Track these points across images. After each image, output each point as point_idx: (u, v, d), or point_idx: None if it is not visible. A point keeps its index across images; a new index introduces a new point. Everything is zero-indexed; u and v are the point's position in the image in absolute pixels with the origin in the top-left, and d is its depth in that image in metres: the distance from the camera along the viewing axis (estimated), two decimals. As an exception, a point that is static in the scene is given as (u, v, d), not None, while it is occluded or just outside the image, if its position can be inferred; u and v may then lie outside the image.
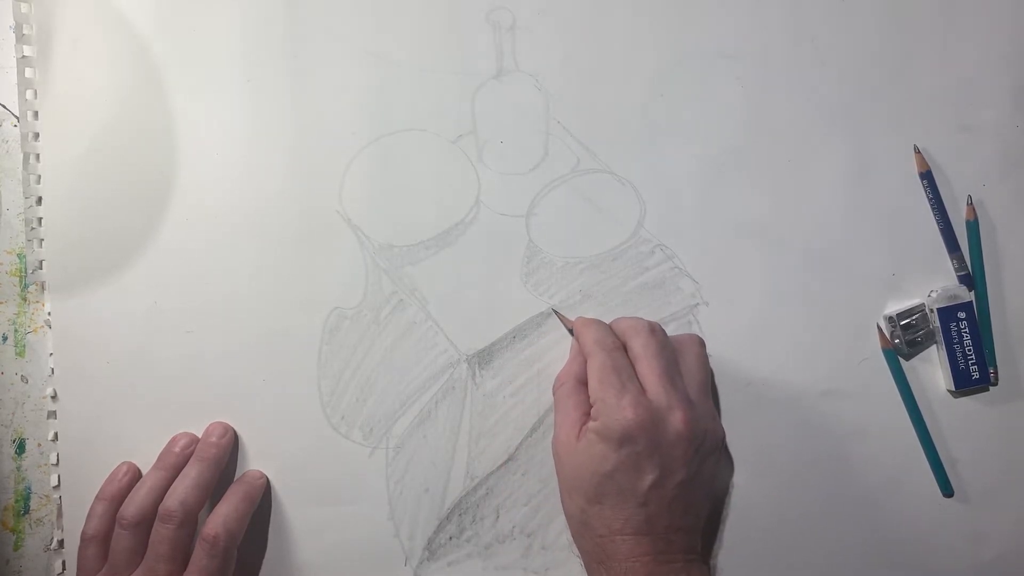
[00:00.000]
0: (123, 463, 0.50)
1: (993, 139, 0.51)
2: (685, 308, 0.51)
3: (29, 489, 0.52)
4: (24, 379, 0.52)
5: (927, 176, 0.51)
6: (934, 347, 0.51)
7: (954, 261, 0.51)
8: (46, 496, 0.51)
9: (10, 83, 0.51)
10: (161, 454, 0.50)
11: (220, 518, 0.47)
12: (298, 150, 0.51)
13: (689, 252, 0.51)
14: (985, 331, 0.51)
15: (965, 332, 0.50)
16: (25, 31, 0.50)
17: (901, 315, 0.50)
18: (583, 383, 0.47)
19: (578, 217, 0.51)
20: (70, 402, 0.51)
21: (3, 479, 0.51)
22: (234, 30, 0.51)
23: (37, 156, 0.51)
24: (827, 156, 0.51)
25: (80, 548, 0.48)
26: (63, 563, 0.51)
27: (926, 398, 0.51)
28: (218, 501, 0.48)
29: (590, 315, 0.50)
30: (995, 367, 0.51)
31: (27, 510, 0.51)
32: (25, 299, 0.52)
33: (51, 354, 0.51)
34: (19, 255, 0.52)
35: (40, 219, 0.51)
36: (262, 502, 0.50)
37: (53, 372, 0.51)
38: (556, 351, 0.51)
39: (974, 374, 0.50)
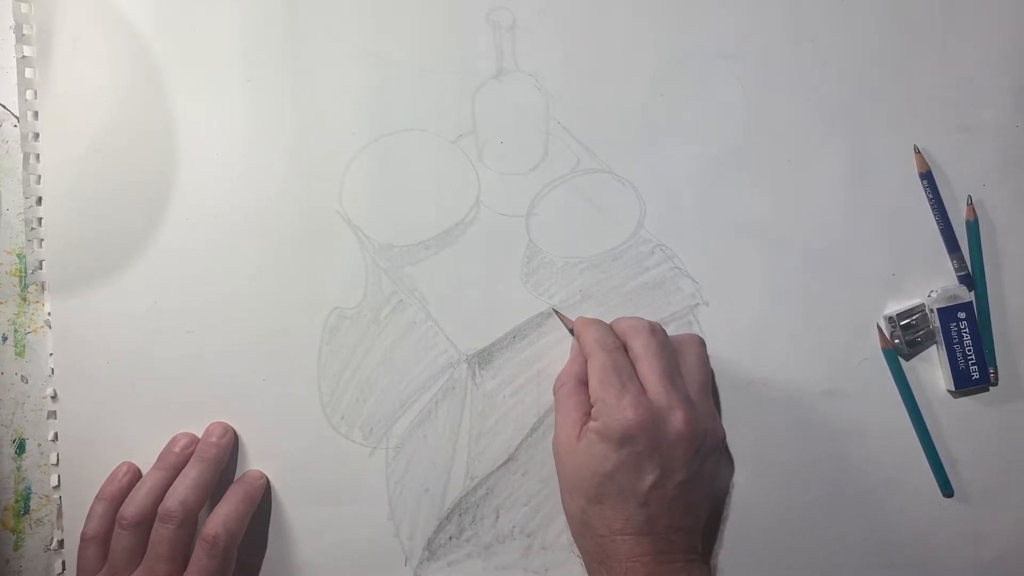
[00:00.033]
0: (123, 463, 0.50)
1: (993, 139, 0.51)
2: (685, 308, 0.51)
3: (29, 489, 0.52)
4: (24, 379, 0.52)
5: (927, 176, 0.51)
6: (934, 347, 0.51)
7: (954, 261, 0.51)
8: (46, 496, 0.51)
9: (10, 83, 0.51)
10: (161, 454, 0.50)
11: (220, 518, 0.47)
12: (298, 150, 0.51)
13: (689, 252, 0.51)
14: (985, 331, 0.51)
15: (965, 332, 0.50)
16: (25, 31, 0.50)
17: (901, 315, 0.50)
18: (584, 383, 0.47)
19: (578, 217, 0.51)
20: (70, 402, 0.51)
21: (3, 479, 0.51)
22: (234, 30, 0.51)
23: (37, 156, 0.51)
24: (827, 156, 0.51)
25: (80, 548, 0.48)
26: (63, 563, 0.51)
27: (926, 398, 0.51)
28: (218, 501, 0.48)
29: (590, 315, 0.50)
30: (995, 367, 0.51)
31: (27, 510, 0.51)
32: (25, 299, 0.52)
33: (51, 354, 0.51)
34: (19, 255, 0.52)
35: (40, 219, 0.51)
36: (262, 502, 0.50)
37: (53, 372, 0.51)
38: (556, 351, 0.51)
39: (974, 374, 0.50)
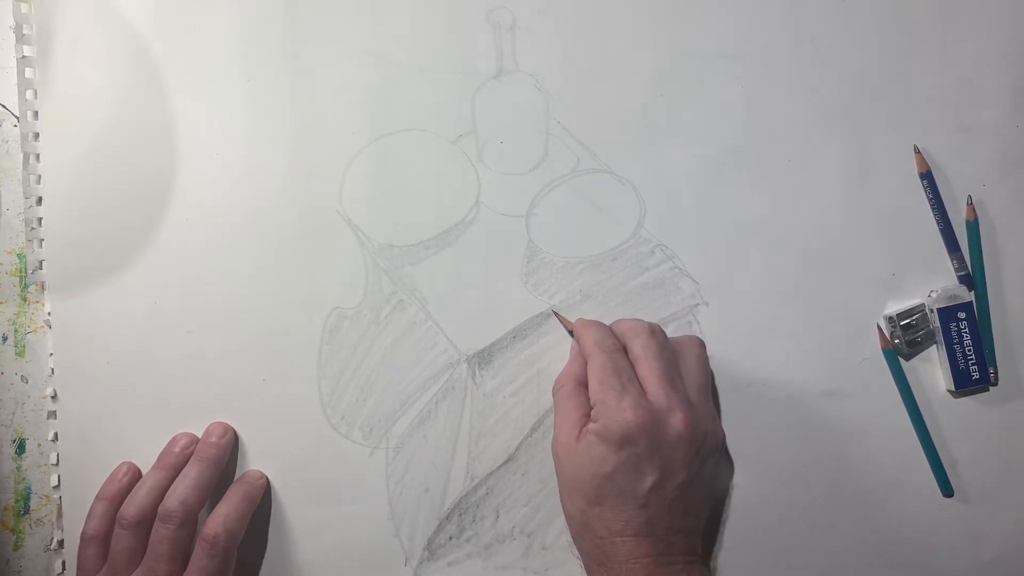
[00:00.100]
0: (123, 463, 0.50)
1: (993, 139, 0.51)
2: (685, 308, 0.51)
3: (29, 489, 0.52)
4: (24, 379, 0.52)
5: (927, 176, 0.51)
6: (934, 347, 0.51)
7: (954, 261, 0.51)
8: (46, 496, 0.51)
9: (10, 83, 0.51)
10: (161, 454, 0.50)
11: (220, 518, 0.47)
12: (298, 150, 0.51)
13: (689, 252, 0.51)
14: (985, 331, 0.51)
15: (965, 332, 0.50)
16: (25, 31, 0.50)
17: (901, 315, 0.50)
18: (583, 385, 0.47)
19: (578, 217, 0.51)
20: (70, 402, 0.51)
21: (3, 479, 0.51)
22: (234, 30, 0.51)
23: (37, 156, 0.51)
24: (827, 156, 0.51)
25: (80, 548, 0.48)
26: (63, 563, 0.51)
27: (926, 398, 0.51)
28: (218, 501, 0.48)
29: (590, 315, 0.50)
30: (995, 367, 0.51)
31: (27, 510, 0.51)
32: (25, 299, 0.52)
33: (51, 354, 0.51)
34: (19, 255, 0.52)
35: (40, 219, 0.51)
36: (262, 502, 0.50)
37: (53, 372, 0.51)
38: (556, 351, 0.51)
39: (974, 374, 0.50)
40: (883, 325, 0.51)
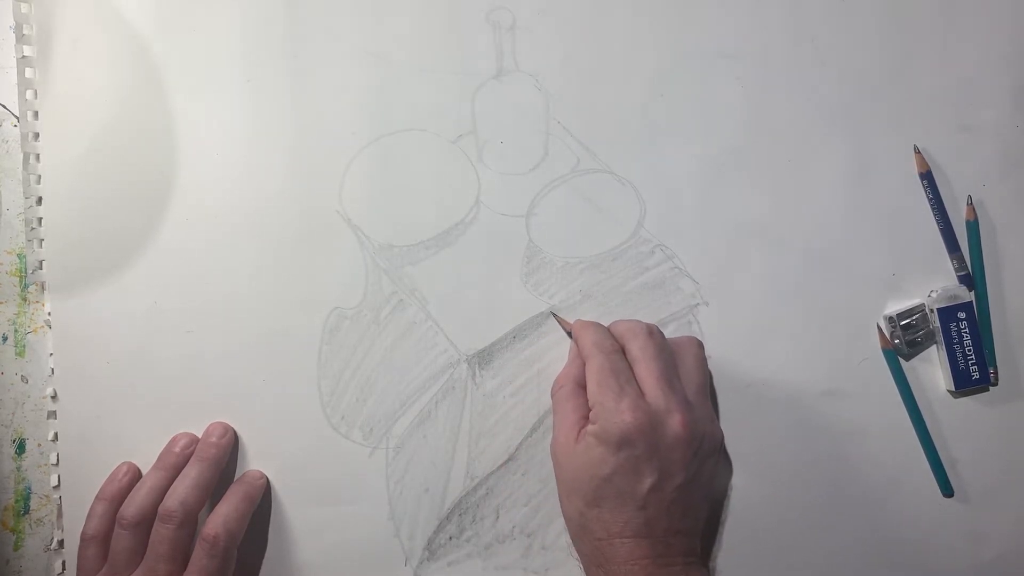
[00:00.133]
0: (123, 463, 0.50)
1: (993, 139, 0.51)
2: (685, 308, 0.51)
3: (29, 489, 0.52)
4: (24, 379, 0.52)
5: (927, 176, 0.51)
6: (934, 347, 0.51)
7: (954, 261, 0.51)
8: (46, 496, 0.51)
9: (10, 83, 0.51)
10: (161, 454, 0.50)
11: (220, 518, 0.47)
12: (298, 150, 0.51)
13: (689, 252, 0.51)
14: (985, 331, 0.51)
15: (965, 332, 0.50)
16: (25, 31, 0.50)
17: (901, 315, 0.50)
18: (581, 386, 0.47)
19: (578, 217, 0.51)
20: (70, 402, 0.51)
21: (3, 479, 0.51)
22: (234, 30, 0.51)
23: (37, 156, 0.51)
24: (827, 156, 0.51)
25: (80, 548, 0.48)
26: (63, 563, 0.51)
27: (926, 398, 0.51)
28: (218, 501, 0.48)
29: (590, 315, 0.50)
30: (995, 367, 0.51)
31: (27, 510, 0.51)
32: (25, 299, 0.52)
33: (51, 354, 0.51)
34: (19, 255, 0.52)
35: (40, 219, 0.51)
36: (262, 502, 0.50)
37: (53, 372, 0.51)
38: (556, 351, 0.51)
39: (974, 374, 0.50)
40: (883, 325, 0.51)
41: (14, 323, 0.52)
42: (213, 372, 0.51)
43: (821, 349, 0.51)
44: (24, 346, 0.52)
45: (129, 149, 0.51)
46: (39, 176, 0.51)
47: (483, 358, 0.51)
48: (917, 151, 0.51)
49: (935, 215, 0.51)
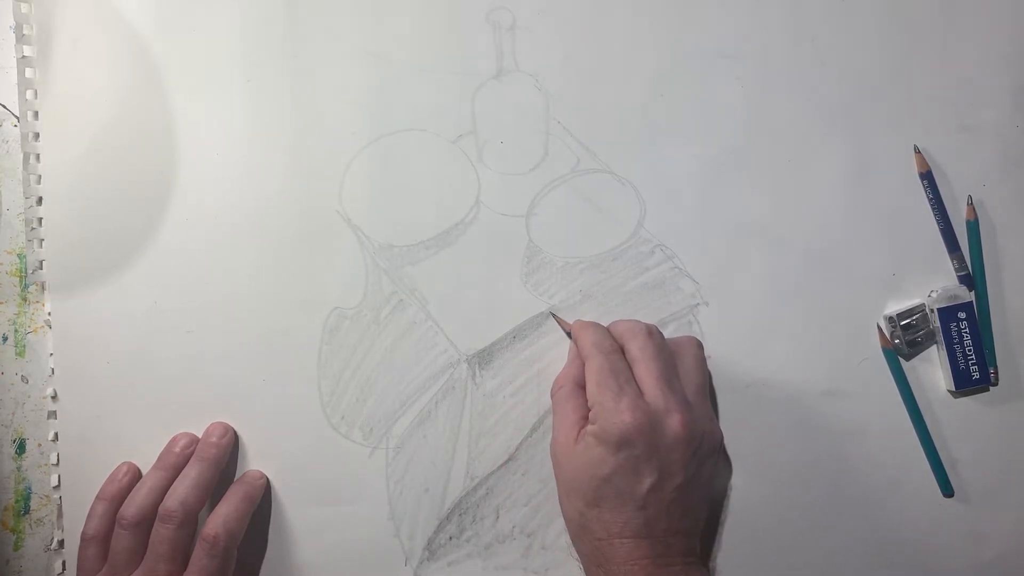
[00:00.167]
0: (123, 463, 0.50)
1: (993, 139, 0.51)
2: (685, 308, 0.51)
3: (29, 489, 0.52)
4: (24, 379, 0.52)
5: (927, 176, 0.51)
6: (934, 347, 0.51)
7: (954, 261, 0.51)
8: (46, 496, 0.51)
9: (10, 83, 0.51)
10: (161, 454, 0.50)
11: (220, 518, 0.47)
12: (298, 150, 0.51)
13: (689, 252, 0.51)
14: (985, 331, 0.51)
15: (965, 332, 0.50)
16: (25, 31, 0.50)
17: (901, 315, 0.50)
18: (581, 386, 0.47)
19: (578, 217, 0.51)
20: (70, 402, 0.51)
21: (3, 479, 0.51)
22: (234, 30, 0.51)
23: (37, 156, 0.51)
24: (827, 156, 0.51)
25: (80, 548, 0.48)
26: (63, 563, 0.51)
27: (926, 398, 0.51)
28: (218, 501, 0.48)
29: (590, 315, 0.50)
30: (995, 367, 0.51)
31: (27, 510, 0.51)
32: (25, 299, 0.52)
33: (51, 354, 0.51)
34: (19, 255, 0.52)
35: (40, 219, 0.51)
36: (262, 502, 0.50)
37: (53, 372, 0.51)
38: (556, 351, 0.51)
39: (974, 374, 0.50)
40: (883, 325, 0.51)
41: (14, 323, 0.52)
42: (213, 372, 0.51)
43: (821, 349, 0.51)
44: (24, 346, 0.52)
45: (129, 149, 0.51)
46: (39, 176, 0.51)
47: (483, 358, 0.51)
48: (917, 151, 0.51)
49: (935, 215, 0.51)
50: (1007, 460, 0.51)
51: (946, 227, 0.51)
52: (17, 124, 0.51)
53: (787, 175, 0.51)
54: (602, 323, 0.49)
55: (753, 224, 0.51)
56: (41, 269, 0.51)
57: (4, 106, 0.52)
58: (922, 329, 0.50)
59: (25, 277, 0.52)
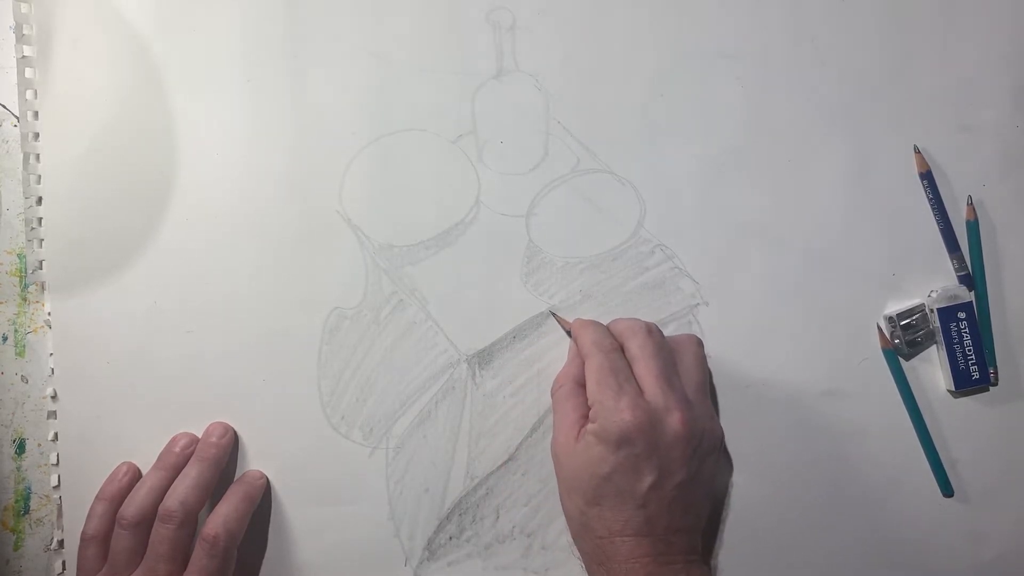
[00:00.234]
0: (123, 463, 0.50)
1: (993, 139, 0.51)
2: (685, 308, 0.51)
3: (29, 489, 0.52)
4: (24, 379, 0.52)
5: (927, 176, 0.51)
6: (934, 347, 0.51)
7: (954, 261, 0.51)
8: (46, 496, 0.51)
9: (10, 83, 0.51)
10: (161, 454, 0.50)
11: (220, 518, 0.47)
12: (298, 150, 0.51)
13: (689, 252, 0.51)
14: (985, 331, 0.51)
15: (965, 332, 0.50)
16: (25, 31, 0.50)
17: (901, 315, 0.50)
18: (581, 385, 0.47)
19: (578, 217, 0.51)
20: (70, 402, 0.51)
21: (3, 479, 0.51)
22: (234, 30, 0.51)
23: (37, 156, 0.51)
24: (827, 156, 0.51)
25: (80, 548, 0.48)
26: (63, 563, 0.51)
27: (926, 398, 0.51)
28: (218, 501, 0.48)
29: (590, 315, 0.50)
30: (995, 367, 0.51)
31: (27, 510, 0.51)
32: (25, 299, 0.52)
33: (51, 354, 0.51)
34: (19, 255, 0.52)
35: (40, 219, 0.51)
36: (262, 502, 0.50)
37: (53, 372, 0.51)
38: (556, 351, 0.51)
39: (974, 374, 0.50)
40: (883, 325, 0.51)
41: (14, 323, 0.52)
42: (213, 372, 0.51)
43: (821, 349, 0.51)
44: (24, 346, 0.52)
45: (129, 149, 0.51)
46: (39, 176, 0.51)
47: (483, 358, 0.51)
48: (917, 151, 0.51)
49: (935, 215, 0.51)
50: (1007, 460, 0.51)
51: (946, 227, 0.51)
52: (17, 124, 0.51)
53: (787, 175, 0.51)
54: (602, 322, 0.49)
55: (753, 224, 0.51)
56: (41, 269, 0.51)
57: (4, 106, 0.52)
58: (922, 329, 0.50)
59: (25, 277, 0.52)
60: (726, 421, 0.50)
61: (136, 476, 0.50)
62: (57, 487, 0.51)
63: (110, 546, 0.47)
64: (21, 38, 0.50)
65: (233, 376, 0.51)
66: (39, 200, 0.51)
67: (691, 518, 0.45)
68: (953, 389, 0.50)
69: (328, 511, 0.50)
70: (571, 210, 0.51)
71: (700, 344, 0.49)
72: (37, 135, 0.51)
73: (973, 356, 0.50)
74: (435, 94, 0.51)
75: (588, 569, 0.45)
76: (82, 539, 0.48)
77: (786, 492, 0.50)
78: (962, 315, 0.50)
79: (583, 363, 0.47)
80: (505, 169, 0.51)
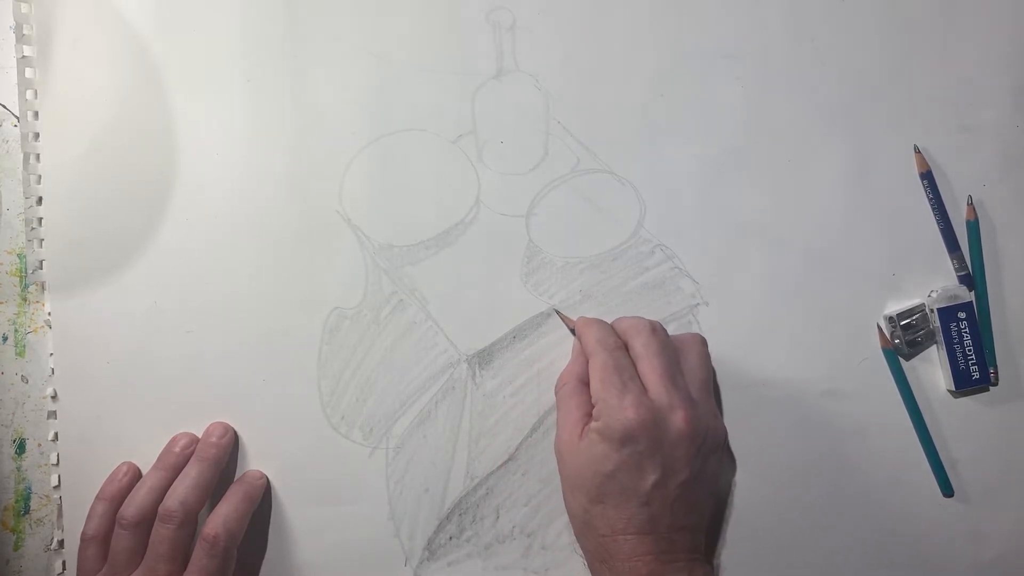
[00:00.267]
0: (123, 463, 0.50)
1: (993, 139, 0.51)
2: (685, 308, 0.51)
3: (29, 489, 0.52)
4: (24, 379, 0.52)
5: (927, 176, 0.51)
6: (934, 347, 0.51)
7: (954, 261, 0.51)
8: (46, 496, 0.51)
9: (10, 83, 0.51)
10: (161, 454, 0.50)
11: (220, 518, 0.47)
12: (298, 150, 0.51)
13: (689, 252, 0.51)
14: (985, 331, 0.51)
15: (965, 332, 0.50)
16: (25, 31, 0.50)
17: (901, 315, 0.50)
18: (585, 383, 0.47)
19: (578, 217, 0.51)
20: (70, 402, 0.51)
21: (3, 479, 0.51)
22: (234, 30, 0.51)
23: (37, 156, 0.51)
24: (827, 156, 0.51)
25: (80, 548, 0.48)
26: (63, 563, 0.51)
27: (926, 398, 0.51)
28: (218, 501, 0.48)
29: (590, 315, 0.50)
30: (995, 367, 0.51)
31: (27, 510, 0.51)
32: (25, 299, 0.52)
33: (51, 354, 0.51)
34: (19, 255, 0.52)
35: (40, 219, 0.51)
36: (262, 502, 0.50)
37: (53, 372, 0.51)
38: (556, 351, 0.51)
39: (974, 374, 0.50)
40: (883, 325, 0.51)
41: (14, 323, 0.52)
42: (213, 372, 0.51)
43: (821, 349, 0.51)
44: (24, 346, 0.52)
45: (129, 149, 0.51)
46: (39, 176, 0.51)
47: (483, 358, 0.51)
48: (917, 151, 0.51)
49: (935, 215, 0.51)
50: (1007, 460, 0.51)
51: (946, 227, 0.51)
52: (17, 124, 0.51)
53: (787, 175, 0.51)
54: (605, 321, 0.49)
55: (753, 224, 0.51)
56: (41, 269, 0.51)
57: (4, 106, 0.52)
58: (922, 329, 0.50)
59: (25, 277, 0.52)
60: (726, 421, 0.50)
61: (136, 476, 0.50)
62: (57, 487, 0.51)
63: (110, 546, 0.47)
64: (21, 38, 0.50)
65: (233, 376, 0.51)
66: (39, 200, 0.51)
67: (694, 516, 0.45)
68: (953, 389, 0.50)
69: (328, 511, 0.50)
70: (571, 210, 0.51)
71: (704, 343, 0.49)
72: (37, 135, 0.51)
73: (973, 356, 0.50)
74: (435, 94, 0.51)
75: (591, 567, 0.45)
76: (82, 539, 0.48)
77: (786, 492, 0.50)
78: (962, 315, 0.50)
79: (587, 361, 0.47)
80: (505, 169, 0.51)
